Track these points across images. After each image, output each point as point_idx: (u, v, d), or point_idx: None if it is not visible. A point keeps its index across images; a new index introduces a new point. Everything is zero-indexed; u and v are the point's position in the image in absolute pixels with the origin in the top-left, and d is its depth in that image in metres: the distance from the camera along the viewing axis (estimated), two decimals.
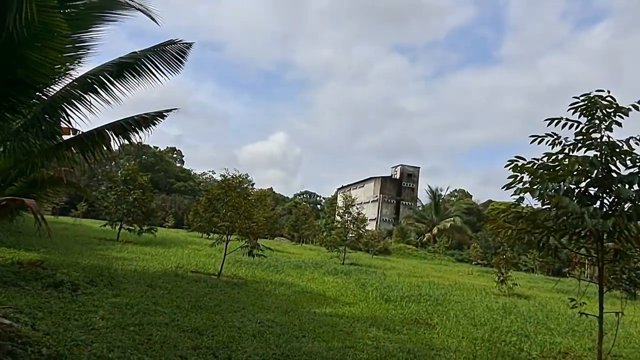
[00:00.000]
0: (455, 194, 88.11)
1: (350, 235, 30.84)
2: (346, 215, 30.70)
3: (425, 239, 59.28)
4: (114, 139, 6.09)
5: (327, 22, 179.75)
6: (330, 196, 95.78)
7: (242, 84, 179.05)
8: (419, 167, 79.08)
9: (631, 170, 5.49)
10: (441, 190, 65.98)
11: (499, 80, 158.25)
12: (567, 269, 45.34)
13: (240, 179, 15.53)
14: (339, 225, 31.40)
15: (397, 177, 76.78)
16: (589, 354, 7.84)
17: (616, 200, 5.60)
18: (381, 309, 10.93)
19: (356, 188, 78.99)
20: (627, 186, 5.37)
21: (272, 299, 10.59)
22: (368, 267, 25.11)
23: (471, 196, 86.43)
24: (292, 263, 21.05)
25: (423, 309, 11.38)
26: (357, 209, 31.60)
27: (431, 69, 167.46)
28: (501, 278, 18.97)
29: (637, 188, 5.39)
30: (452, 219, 60.31)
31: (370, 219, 54.84)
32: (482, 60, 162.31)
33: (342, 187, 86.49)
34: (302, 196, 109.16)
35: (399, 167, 77.31)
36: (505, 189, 5.97)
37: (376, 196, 74.79)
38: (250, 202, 15.23)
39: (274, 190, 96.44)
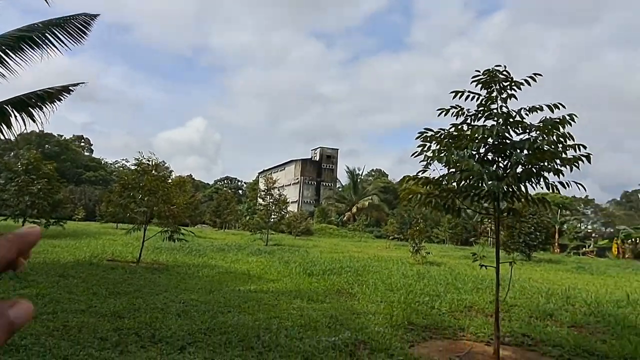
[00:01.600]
0: (373, 173, 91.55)
1: (273, 217, 30.95)
2: (268, 197, 30.72)
3: (345, 218, 61.13)
4: (15, 116, 5.61)
5: (244, 6, 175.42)
6: (251, 181, 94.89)
7: (155, 69, 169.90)
8: (338, 149, 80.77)
9: (521, 137, 6.15)
10: (359, 170, 68.18)
11: (411, 65, 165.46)
12: (473, 239, 49.39)
13: (157, 163, 14.89)
14: (261, 209, 31.35)
15: (317, 159, 77.82)
16: (490, 306, 8.73)
17: (509, 163, 6.25)
18: (304, 283, 11.25)
19: (277, 171, 78.94)
20: (518, 151, 6.02)
21: (195, 281, 10.45)
22: (291, 247, 25.47)
23: (387, 175, 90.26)
24: (215, 247, 20.77)
25: (344, 280, 11.88)
26: (279, 191, 31.74)
27: (347, 55, 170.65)
28: (415, 248, 20.26)
29: (527, 153, 6.07)
30: (370, 197, 62.75)
31: (292, 201, 55.25)
32: (396, 46, 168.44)
33: (264, 171, 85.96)
34: (222, 182, 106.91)
35: (318, 150, 78.33)
36: (415, 157, 6.40)
37: (297, 178, 75.33)
38: (168, 185, 14.71)
39: (193, 177, 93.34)
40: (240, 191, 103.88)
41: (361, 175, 69.98)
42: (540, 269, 20.36)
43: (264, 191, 31.32)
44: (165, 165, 17.94)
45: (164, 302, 7.59)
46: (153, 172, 14.00)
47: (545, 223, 27.68)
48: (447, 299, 9.41)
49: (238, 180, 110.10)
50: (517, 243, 24.86)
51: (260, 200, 33.50)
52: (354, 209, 61.22)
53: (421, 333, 6.79)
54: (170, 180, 16.67)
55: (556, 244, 45.22)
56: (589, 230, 60.49)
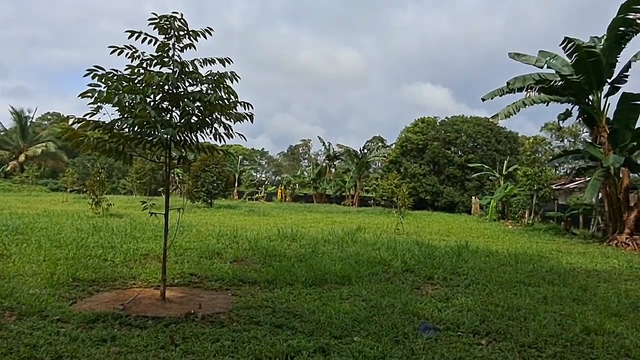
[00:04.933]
0: (49, 117, 78.55)
1: None
2: None
3: (9, 167, 50.73)
4: None
5: None
6: None
7: None
8: None
9: (194, 88, 6.36)
10: (29, 112, 57.22)
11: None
12: (162, 189, 49.60)
13: None
14: None
15: None
16: (168, 252, 8.97)
17: (183, 113, 6.40)
18: None
19: None
20: (191, 101, 6.21)
21: None
22: None
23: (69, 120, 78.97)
24: None
25: None
26: None
27: None
28: (95, 200, 18.78)
29: (199, 104, 6.34)
30: (44, 144, 53.89)
31: None
32: None
33: None
34: None
35: None
36: (82, 97, 5.76)
37: None
38: None
39: None
40: None
41: (32, 118, 58.95)
42: (219, 214, 22.39)
43: None
44: None
45: None
46: None
47: (226, 172, 30.37)
48: (122, 249, 9.14)
49: None
50: (200, 192, 26.43)
51: None
52: (22, 157, 51.42)
53: (87, 288, 6.39)
54: None
55: (235, 191, 50.49)
56: (263, 179, 70.14)
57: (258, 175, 73.54)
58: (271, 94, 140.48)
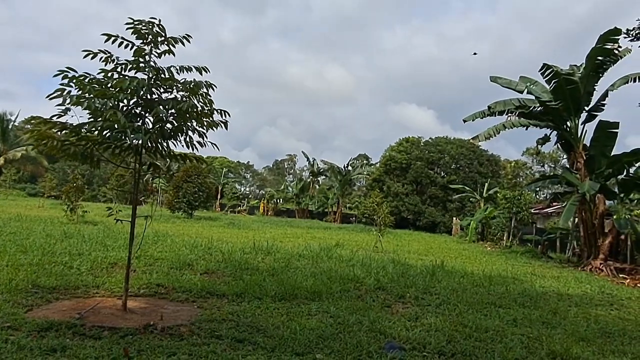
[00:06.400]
0: (33, 121, 77.18)
1: None
2: None
3: None
4: None
5: None
6: None
7: None
8: None
9: (169, 95, 6.27)
10: (11, 115, 56.14)
11: (83, 5, 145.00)
12: (142, 197, 48.89)
13: None
14: None
15: None
16: (135, 261, 8.75)
17: (156, 119, 6.29)
18: None
19: None
20: (163, 108, 6.11)
21: None
22: None
23: None
24: None
25: None
26: None
27: None
28: (70, 207, 18.38)
29: (172, 111, 6.25)
30: (24, 148, 52.80)
31: None
32: None
33: None
34: None
35: None
36: (50, 99, 5.63)
37: None
38: None
39: None
40: None
41: (15, 121, 57.81)
42: (198, 226, 22.08)
43: None
44: None
45: None
46: None
47: (209, 184, 30.09)
48: (90, 257, 8.89)
49: None
50: (181, 202, 26.09)
51: None
52: (1, 161, 50.22)
53: (46, 295, 6.15)
54: None
55: (218, 203, 50.03)
56: (246, 192, 69.62)
57: (242, 189, 73.03)
58: (259, 108, 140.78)
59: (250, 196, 65.80)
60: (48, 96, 5.62)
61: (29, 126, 70.10)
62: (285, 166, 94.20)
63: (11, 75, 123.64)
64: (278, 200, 55.44)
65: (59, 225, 15.78)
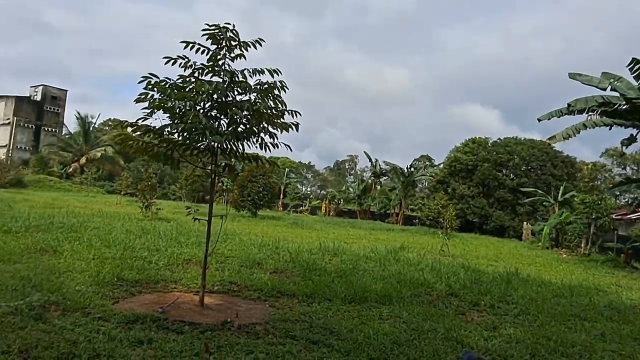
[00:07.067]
0: (110, 123, 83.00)
1: None
2: None
3: (71, 169, 53.85)
4: None
5: None
6: None
7: None
8: (67, 91, 69.70)
9: (243, 97, 6.42)
10: (92, 118, 60.70)
11: (157, 14, 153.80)
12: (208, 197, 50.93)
13: None
14: None
15: (38, 99, 65.28)
16: (210, 259, 9.05)
17: (231, 121, 6.47)
18: None
19: None
20: (240, 110, 6.27)
21: None
22: None
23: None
24: None
25: (52, 237, 10.35)
26: None
27: None
28: (146, 204, 19.45)
29: (246, 113, 6.38)
30: (103, 148, 56.84)
31: None
32: None
33: None
34: None
35: (40, 88, 65.65)
36: (136, 103, 5.96)
37: (8, 119, 61.70)
38: None
39: None
40: None
41: (95, 124, 62.43)
42: (263, 224, 22.57)
43: None
44: None
45: None
46: None
47: (272, 184, 30.70)
48: (167, 253, 9.32)
49: None
50: (245, 201, 26.82)
51: None
52: (83, 160, 54.40)
53: (130, 288, 6.51)
54: None
55: (280, 203, 50.98)
56: (308, 192, 70.48)
57: (303, 189, 74.01)
58: (318, 110, 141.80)
59: (311, 196, 66.51)
60: (135, 99, 5.95)
61: (107, 128, 75.42)
62: (346, 167, 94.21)
63: (90, 80, 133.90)
64: (340, 201, 55.56)
65: (135, 221, 16.72)
